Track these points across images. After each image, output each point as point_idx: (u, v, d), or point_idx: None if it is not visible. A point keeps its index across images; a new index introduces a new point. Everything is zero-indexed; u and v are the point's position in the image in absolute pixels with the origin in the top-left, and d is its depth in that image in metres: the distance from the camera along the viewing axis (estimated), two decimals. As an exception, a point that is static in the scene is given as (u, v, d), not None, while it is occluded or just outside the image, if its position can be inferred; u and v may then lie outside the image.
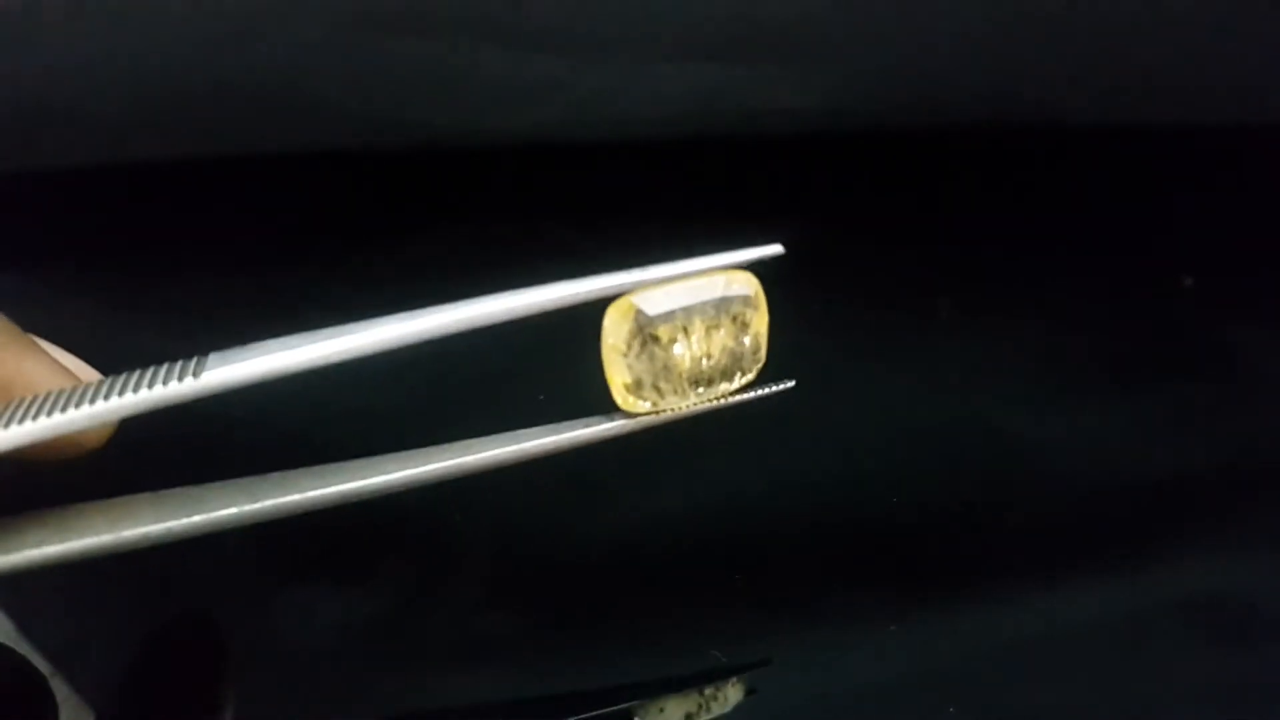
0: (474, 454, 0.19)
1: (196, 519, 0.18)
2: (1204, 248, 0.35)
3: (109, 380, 0.18)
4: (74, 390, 0.18)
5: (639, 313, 0.19)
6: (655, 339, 0.19)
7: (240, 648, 0.22)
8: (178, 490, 0.19)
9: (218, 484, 0.19)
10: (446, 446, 0.19)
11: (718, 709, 0.21)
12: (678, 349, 0.19)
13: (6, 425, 0.17)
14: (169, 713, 0.21)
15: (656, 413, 0.20)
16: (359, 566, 0.24)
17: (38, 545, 0.18)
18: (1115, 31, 0.32)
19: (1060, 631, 0.23)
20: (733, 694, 0.21)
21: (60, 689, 0.21)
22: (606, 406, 0.20)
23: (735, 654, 0.22)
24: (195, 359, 0.18)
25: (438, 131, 0.33)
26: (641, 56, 0.32)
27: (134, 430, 0.20)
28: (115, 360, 0.28)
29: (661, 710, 0.21)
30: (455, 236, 0.33)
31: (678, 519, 0.25)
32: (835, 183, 0.35)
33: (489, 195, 0.34)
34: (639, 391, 0.19)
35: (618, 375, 0.19)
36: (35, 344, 0.20)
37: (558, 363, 0.21)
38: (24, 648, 0.22)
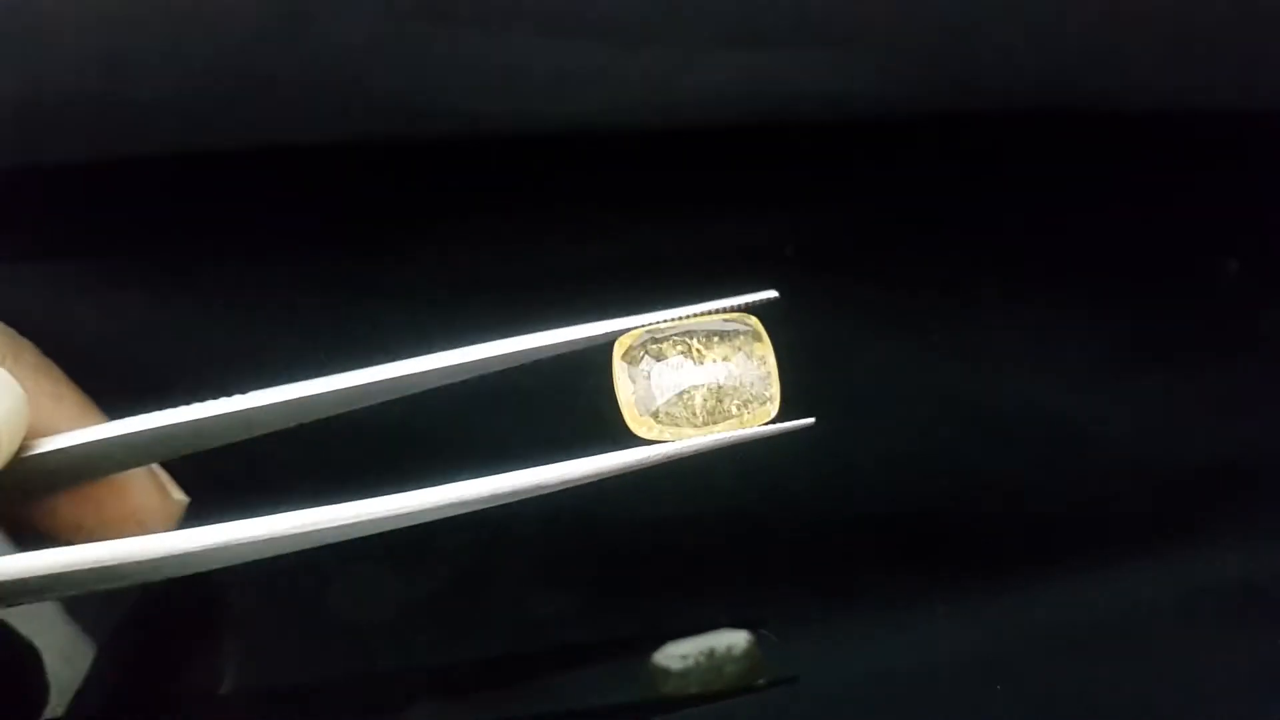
0: (493, 485, 0.20)
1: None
2: (1248, 231, 0.34)
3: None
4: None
5: (644, 332, 0.20)
6: (660, 355, 0.20)
7: (301, 625, 0.23)
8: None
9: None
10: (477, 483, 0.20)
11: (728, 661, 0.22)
12: (685, 365, 0.20)
13: None
14: (170, 663, 0.22)
15: (674, 440, 0.20)
16: (417, 548, 0.24)
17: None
18: (1163, 13, 0.32)
19: (1105, 614, 0.23)
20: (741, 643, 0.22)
21: (66, 634, 0.22)
22: (618, 431, 0.20)
23: (784, 634, 0.22)
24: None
25: (482, 119, 0.34)
26: (686, 43, 0.32)
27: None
28: (162, 348, 0.29)
29: (684, 657, 0.22)
30: (498, 224, 0.34)
31: (726, 501, 0.25)
32: (881, 167, 0.35)
33: (533, 182, 0.34)
34: (650, 415, 0.20)
35: (627, 397, 0.20)
36: (96, 407, 0.21)
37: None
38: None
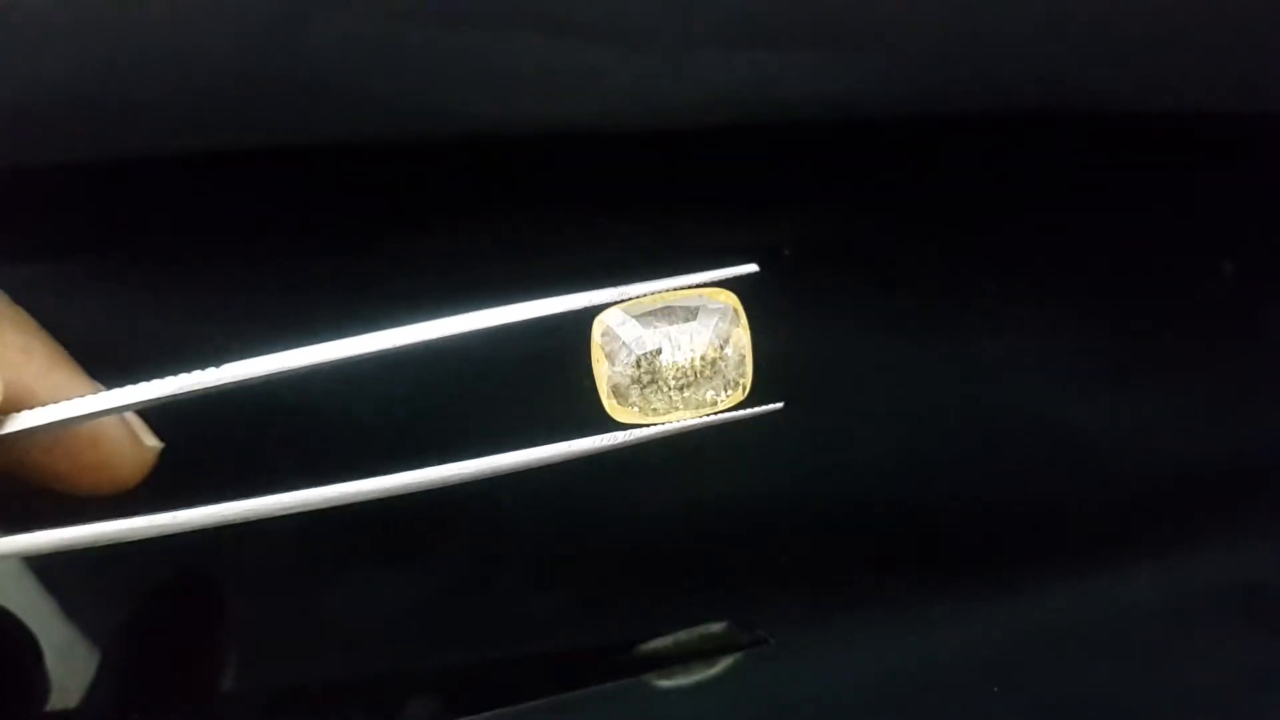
0: (474, 465, 0.20)
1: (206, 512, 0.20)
2: (1248, 231, 0.34)
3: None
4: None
5: (623, 312, 0.20)
6: (638, 336, 0.20)
7: (301, 626, 0.23)
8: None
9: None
10: (459, 464, 0.21)
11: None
12: (662, 347, 0.20)
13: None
14: (171, 663, 0.22)
15: (646, 424, 0.21)
16: (415, 550, 0.24)
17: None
18: (1160, 17, 0.32)
19: (1103, 616, 0.23)
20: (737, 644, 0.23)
21: (67, 634, 0.22)
22: (598, 417, 0.21)
23: (782, 635, 0.22)
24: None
25: (477, 121, 0.34)
26: (681, 44, 0.32)
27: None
28: (152, 348, 0.29)
29: (680, 656, 0.22)
30: (496, 225, 0.34)
31: (724, 502, 0.25)
32: (876, 169, 0.35)
33: (529, 184, 0.34)
34: (626, 398, 0.20)
35: (604, 379, 0.20)
36: (72, 360, 0.21)
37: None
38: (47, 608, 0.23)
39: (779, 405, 0.21)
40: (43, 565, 0.24)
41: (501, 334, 0.20)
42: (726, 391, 0.21)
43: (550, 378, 0.22)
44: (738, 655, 0.22)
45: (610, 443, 0.21)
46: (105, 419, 0.21)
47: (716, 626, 0.23)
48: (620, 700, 0.22)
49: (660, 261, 0.32)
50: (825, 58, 0.32)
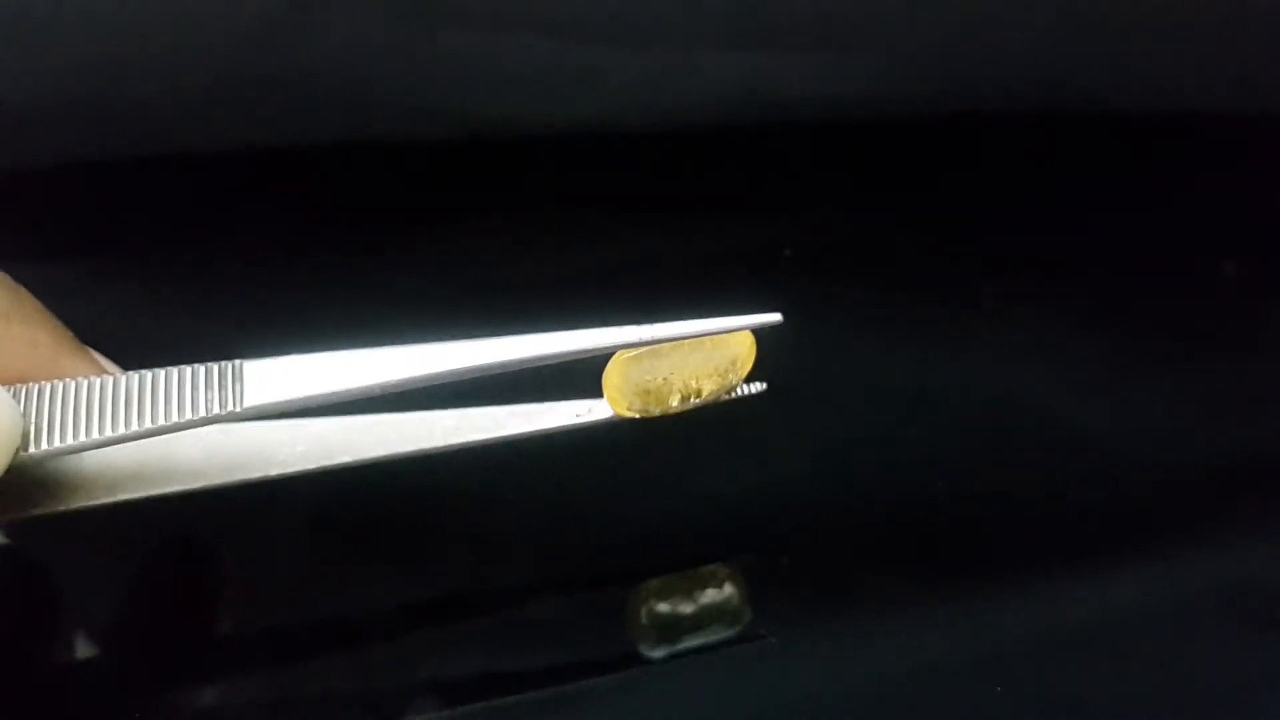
0: (465, 433, 0.22)
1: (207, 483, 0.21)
2: (1248, 231, 0.35)
3: (148, 388, 0.19)
4: (113, 402, 0.19)
5: (643, 372, 0.21)
6: (652, 391, 0.21)
7: (300, 629, 0.23)
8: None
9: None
10: (438, 414, 0.22)
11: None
12: (671, 396, 0.21)
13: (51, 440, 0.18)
14: (172, 662, 0.23)
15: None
16: (416, 549, 0.24)
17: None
18: (1160, 17, 0.32)
19: (1106, 616, 0.23)
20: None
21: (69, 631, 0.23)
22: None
23: (784, 636, 0.22)
24: (231, 369, 0.19)
25: (481, 122, 0.34)
26: (682, 45, 0.32)
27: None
28: (152, 349, 0.29)
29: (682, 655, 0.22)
30: (498, 225, 0.34)
31: (726, 503, 0.26)
32: (877, 170, 0.35)
33: (531, 184, 0.34)
34: (629, 409, 0.22)
35: (614, 407, 0.22)
36: (77, 343, 0.21)
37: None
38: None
39: (763, 387, 0.22)
40: (41, 562, 0.24)
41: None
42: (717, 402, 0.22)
43: (558, 381, 0.22)
44: (738, 655, 0.22)
45: (592, 418, 0.22)
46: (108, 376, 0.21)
47: (717, 626, 0.23)
48: (619, 698, 0.22)
49: (664, 262, 0.32)
50: (826, 59, 0.32)
